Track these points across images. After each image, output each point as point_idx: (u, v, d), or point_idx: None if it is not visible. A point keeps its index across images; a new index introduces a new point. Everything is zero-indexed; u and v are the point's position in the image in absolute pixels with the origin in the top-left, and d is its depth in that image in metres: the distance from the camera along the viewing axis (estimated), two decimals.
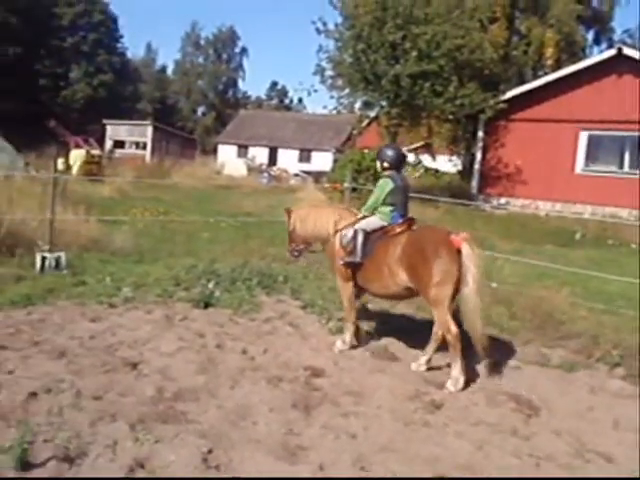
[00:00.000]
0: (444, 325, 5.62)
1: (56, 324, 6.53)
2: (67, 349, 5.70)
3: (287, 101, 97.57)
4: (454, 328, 5.55)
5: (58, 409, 4.42)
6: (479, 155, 22.85)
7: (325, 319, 7.50)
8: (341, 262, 6.41)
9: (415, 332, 6.79)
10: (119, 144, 49.27)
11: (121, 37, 66.09)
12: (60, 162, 26.04)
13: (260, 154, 51.79)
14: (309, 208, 7.29)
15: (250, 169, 44.06)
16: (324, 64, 20.23)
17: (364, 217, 6.50)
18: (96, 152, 29.25)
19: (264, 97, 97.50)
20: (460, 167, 27.62)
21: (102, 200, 16.48)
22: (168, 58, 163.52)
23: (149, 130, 50.22)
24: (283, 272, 9.56)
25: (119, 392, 4.82)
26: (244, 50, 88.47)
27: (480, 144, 22.67)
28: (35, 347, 5.76)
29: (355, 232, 6.27)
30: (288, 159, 50.29)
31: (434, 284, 5.57)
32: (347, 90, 20.52)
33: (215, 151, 55.82)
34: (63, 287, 7.92)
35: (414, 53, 17.67)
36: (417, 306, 7.87)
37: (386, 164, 6.47)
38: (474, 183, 23.07)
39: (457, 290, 5.62)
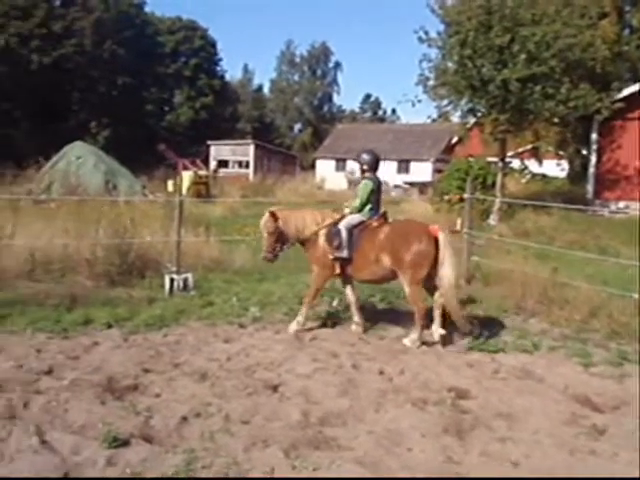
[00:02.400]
0: (416, 301, 6.80)
1: (192, 345, 6.63)
2: (208, 371, 5.75)
3: (381, 112, 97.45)
4: (422, 304, 6.81)
5: (210, 434, 4.42)
6: (594, 158, 21.80)
7: (457, 335, 7.23)
8: (331, 257, 7.13)
9: (551, 350, 6.43)
10: (223, 164, 50.70)
11: (220, 60, 68.28)
12: (170, 184, 27.05)
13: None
14: (290, 210, 7.76)
15: (350, 182, 44.09)
16: (427, 73, 19.91)
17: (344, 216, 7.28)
18: (203, 173, 30.12)
19: (358, 110, 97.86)
20: (569, 171, 26.47)
21: (215, 220, 16.86)
22: (264, 78, 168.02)
23: (251, 149, 51.41)
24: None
25: (265, 416, 4.78)
26: (338, 65, 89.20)
27: (595, 146, 21.61)
28: (176, 369, 5.85)
29: (340, 230, 7.06)
30: (386, 171, 49.95)
31: (413, 265, 6.68)
32: (451, 98, 20.09)
33: (313, 166, 56.36)
34: (193, 308, 8.07)
35: (523, 56, 17.04)
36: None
37: (365, 167, 7.40)
38: (589, 187, 22.00)
39: (434, 272, 6.73)
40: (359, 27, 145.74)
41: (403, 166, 51.02)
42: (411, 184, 37.82)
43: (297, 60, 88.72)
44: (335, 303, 8.37)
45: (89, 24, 51.05)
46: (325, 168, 52.84)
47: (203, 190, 26.65)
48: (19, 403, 4.81)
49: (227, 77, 73.82)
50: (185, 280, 8.88)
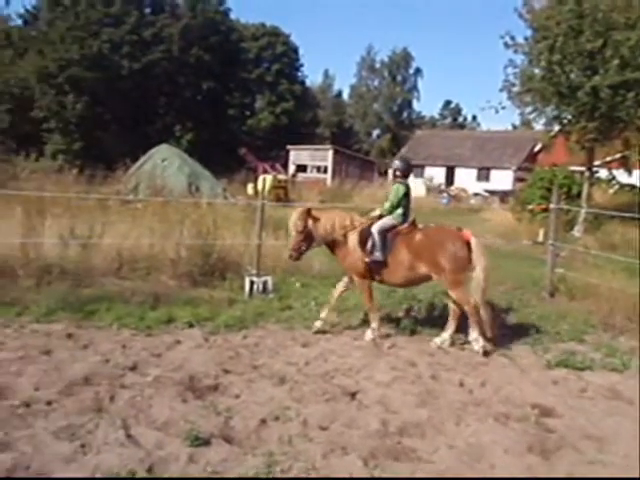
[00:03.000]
0: (465, 301, 6.83)
1: (270, 348, 6.69)
2: (286, 375, 5.77)
3: (461, 119, 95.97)
4: (472, 300, 6.80)
5: (288, 438, 4.43)
6: None
7: (541, 350, 7.01)
8: (367, 260, 7.10)
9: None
10: (301, 168, 51.17)
11: (301, 66, 68.90)
12: (250, 187, 27.48)
13: (437, 174, 51.20)
14: (318, 211, 7.66)
15: (429, 189, 43.66)
16: (512, 79, 19.44)
17: (378, 218, 7.29)
18: (282, 177, 30.46)
19: (437, 116, 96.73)
20: None
21: None
22: (344, 83, 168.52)
23: (330, 154, 51.66)
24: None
25: (344, 423, 4.75)
26: (418, 70, 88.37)
27: None
28: (255, 371, 5.91)
29: (373, 233, 7.09)
30: (466, 178, 49.26)
31: (454, 270, 6.80)
32: (536, 105, 19.54)
33: None
34: (271, 311, 8.16)
35: (616, 61, 16.32)
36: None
37: (398, 172, 7.43)
38: None
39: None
40: (440, 32, 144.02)
41: (483, 174, 50.13)
42: (492, 192, 37.04)
43: (377, 66, 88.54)
44: (414, 311, 8.27)
45: (177, 31, 52.63)
46: None
47: (282, 194, 26.95)
48: (106, 397, 4.97)
49: (308, 82, 74.52)
50: (264, 283, 8.98)
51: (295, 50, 66.31)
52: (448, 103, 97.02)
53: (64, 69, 47.69)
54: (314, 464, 4.05)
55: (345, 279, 7.62)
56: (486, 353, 6.79)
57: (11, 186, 15.06)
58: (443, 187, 45.20)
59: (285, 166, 46.30)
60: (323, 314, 7.46)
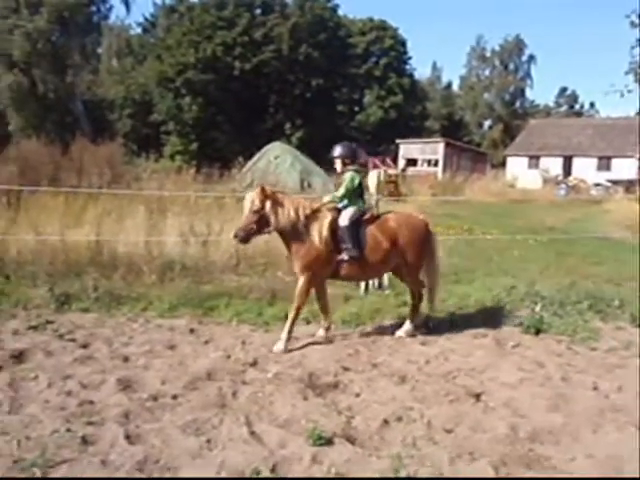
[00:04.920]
0: (420, 285, 7.08)
1: (389, 346, 6.56)
2: (407, 374, 5.62)
3: (577, 107, 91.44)
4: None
5: (412, 440, 4.28)
6: None
7: None
8: (346, 258, 6.47)
9: None
10: (411, 162, 50.57)
11: (409, 59, 68.06)
12: None
13: (553, 164, 49.03)
14: (281, 194, 6.75)
15: (545, 181, 41.89)
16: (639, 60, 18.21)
17: (336, 209, 6.65)
18: (393, 172, 30.19)
19: (552, 104, 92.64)
20: None
21: None
22: (453, 74, 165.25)
23: (440, 147, 50.75)
24: (617, 295, 8.57)
25: (469, 426, 4.54)
26: (531, 58, 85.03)
27: None
28: (375, 369, 5.80)
29: (345, 228, 6.46)
30: (585, 168, 46.82)
31: (421, 256, 6.87)
32: None
33: (504, 164, 54.35)
34: (388, 307, 8.01)
35: None
36: None
37: (347, 160, 6.75)
38: None
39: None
40: (555, 16, 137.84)
41: (604, 163, 47.55)
42: (615, 182, 34.95)
43: (488, 55, 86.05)
44: (538, 308, 7.87)
45: (286, 30, 53.44)
46: (517, 166, 50.72)
47: (392, 189, 26.68)
48: (228, 392, 5.03)
49: (416, 75, 73.56)
50: (380, 279, 8.84)
51: (403, 43, 65.57)
52: (564, 90, 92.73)
53: (180, 73, 49.68)
54: (440, 469, 3.88)
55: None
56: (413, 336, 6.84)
57: (134, 186, 15.80)
58: (560, 178, 43.17)
59: (395, 160, 45.91)
60: (323, 322, 6.82)
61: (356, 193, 6.71)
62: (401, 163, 48.21)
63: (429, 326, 7.21)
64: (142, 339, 6.48)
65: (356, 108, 61.91)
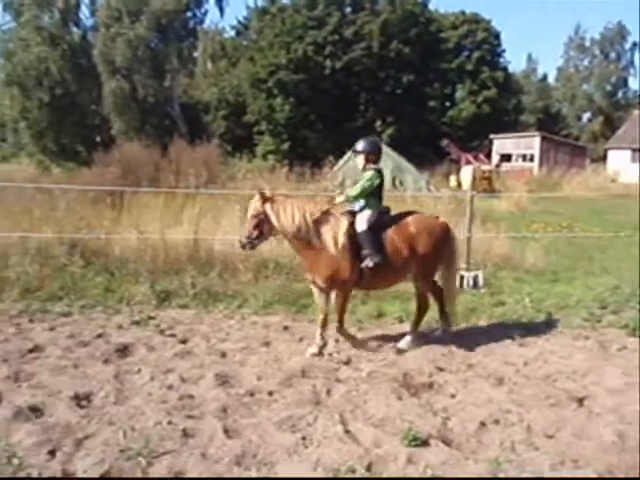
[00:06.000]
0: (429, 290, 6.58)
1: (485, 346, 6.40)
2: (504, 375, 5.47)
3: None
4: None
5: (511, 444, 4.16)
6: None
7: None
8: (371, 265, 5.91)
9: None
10: (505, 158, 49.20)
11: (503, 52, 66.13)
12: (452, 179, 26.99)
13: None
14: (286, 197, 6.32)
15: None
16: None
17: (350, 212, 6.22)
18: (487, 167, 29.53)
19: None
20: None
21: (501, 215, 16.32)
22: (549, 66, 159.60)
23: (536, 141, 49.00)
24: None
25: (572, 432, 4.36)
26: (635, 45, 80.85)
27: None
28: (470, 370, 5.69)
29: (364, 233, 5.99)
30: None
31: (438, 261, 6.41)
32: None
33: (604, 158, 51.95)
34: (483, 307, 7.85)
35: None
36: None
37: (371, 157, 6.31)
38: None
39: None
40: None
41: None
42: None
43: (587, 44, 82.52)
44: None
45: (377, 27, 53.21)
46: (619, 159, 48.32)
47: (486, 185, 26.14)
48: (323, 390, 5.06)
49: (510, 68, 71.50)
50: (475, 277, 8.68)
51: (496, 36, 63.85)
52: None
53: (272, 74, 50.43)
54: (542, 475, 3.75)
55: (316, 290, 6.32)
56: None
57: (229, 186, 16.20)
58: None
59: (488, 156, 44.83)
60: (317, 340, 6.16)
61: (374, 194, 6.21)
62: (495, 159, 47.01)
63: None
64: (238, 335, 6.64)
65: (447, 103, 60.80)
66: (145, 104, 40.77)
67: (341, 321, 6.19)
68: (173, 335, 6.56)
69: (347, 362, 5.84)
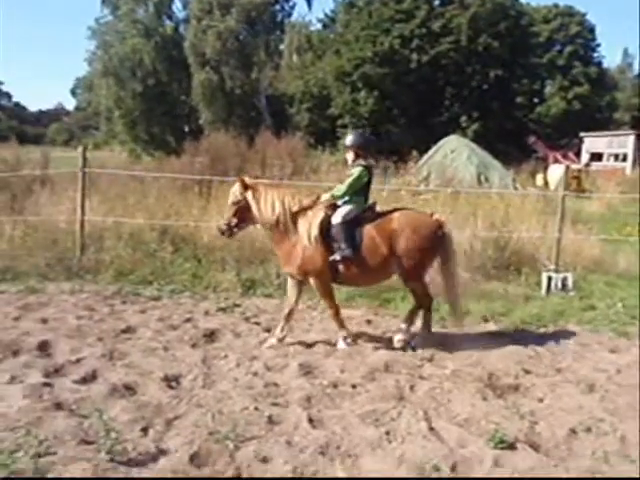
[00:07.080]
0: (426, 291, 6.27)
1: (574, 351, 6.25)
2: (595, 382, 5.28)
3: None
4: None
5: (603, 454, 4.00)
6: None
7: None
8: (338, 258, 5.83)
9: None
10: (596, 157, 47.33)
11: (597, 46, 63.68)
12: (539, 177, 26.19)
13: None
14: (270, 186, 6.42)
15: None
16: None
17: (334, 206, 6.04)
18: (576, 167, 28.50)
19: None
20: None
21: (591, 216, 15.72)
22: None
23: (630, 139, 46.83)
24: None
25: None
26: None
27: None
28: (559, 375, 5.53)
29: (338, 226, 5.86)
30: None
31: (430, 259, 6.17)
32: None
33: None
34: (572, 310, 7.61)
35: None
36: None
37: (360, 151, 6.13)
38: None
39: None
40: None
41: None
42: None
43: None
44: None
45: (465, 20, 52.22)
46: None
47: (575, 185, 25.22)
48: (406, 386, 5.04)
49: (605, 64, 68.73)
50: (564, 279, 8.41)
51: (591, 30, 61.49)
52: None
53: (358, 67, 50.36)
54: None
55: (291, 282, 6.25)
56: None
57: (312, 178, 16.29)
58: None
59: (577, 154, 43.26)
60: (277, 332, 6.12)
61: (359, 191, 6.07)
62: (584, 157, 45.31)
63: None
64: (320, 327, 6.70)
65: (536, 99, 59.07)
66: (232, 95, 41.57)
67: (332, 309, 6.17)
68: (258, 323, 6.70)
69: (430, 359, 5.79)
